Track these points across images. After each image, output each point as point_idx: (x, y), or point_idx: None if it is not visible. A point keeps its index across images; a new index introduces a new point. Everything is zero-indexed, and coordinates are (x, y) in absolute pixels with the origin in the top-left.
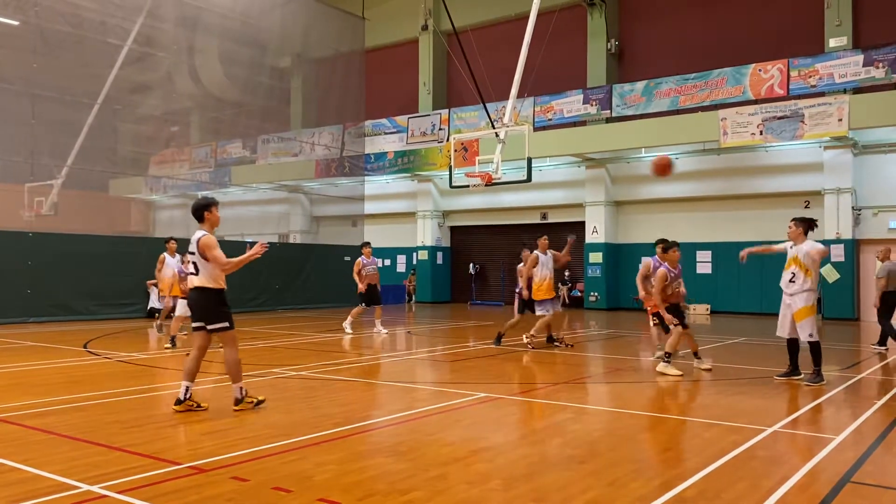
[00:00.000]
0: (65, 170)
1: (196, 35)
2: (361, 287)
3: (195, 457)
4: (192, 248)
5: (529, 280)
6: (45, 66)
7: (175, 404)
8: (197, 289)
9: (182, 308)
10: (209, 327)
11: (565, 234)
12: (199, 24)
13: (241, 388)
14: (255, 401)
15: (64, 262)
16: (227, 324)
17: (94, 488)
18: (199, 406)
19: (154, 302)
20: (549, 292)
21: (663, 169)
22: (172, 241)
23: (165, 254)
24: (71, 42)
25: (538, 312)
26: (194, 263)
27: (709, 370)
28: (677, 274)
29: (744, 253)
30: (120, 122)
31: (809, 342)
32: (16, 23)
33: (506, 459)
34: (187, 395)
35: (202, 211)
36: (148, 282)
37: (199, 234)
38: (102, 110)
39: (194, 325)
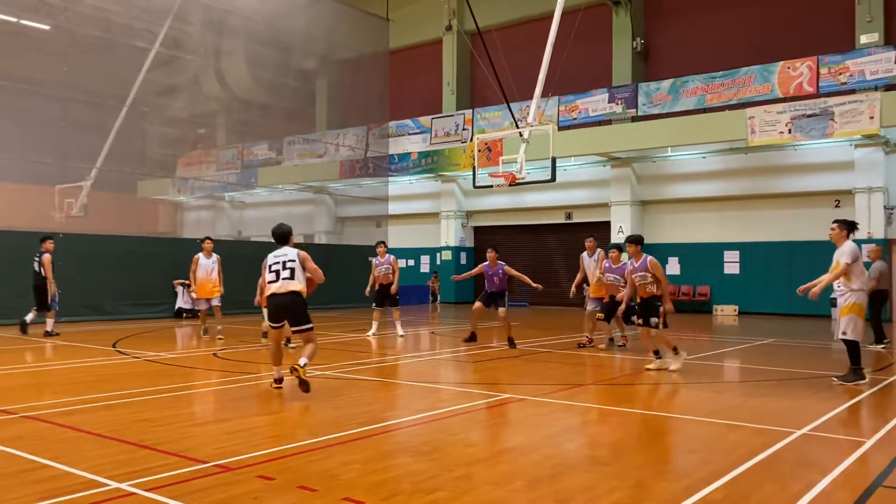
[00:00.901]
0: (94, 171)
1: (222, 38)
2: (370, 288)
3: (221, 455)
4: (290, 257)
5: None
6: (75, 70)
7: (276, 382)
8: (293, 292)
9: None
10: (301, 327)
11: (586, 236)
12: (225, 26)
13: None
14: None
15: (93, 262)
16: (312, 325)
17: (123, 486)
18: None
19: (181, 302)
20: (595, 292)
21: None
22: (209, 241)
23: (200, 254)
24: (100, 46)
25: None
26: (291, 270)
27: (650, 369)
28: (612, 269)
29: (801, 289)
30: (148, 124)
31: (844, 339)
32: (47, 27)
33: (529, 460)
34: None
35: (289, 236)
36: (175, 281)
37: (292, 249)
38: (131, 113)
39: (278, 325)
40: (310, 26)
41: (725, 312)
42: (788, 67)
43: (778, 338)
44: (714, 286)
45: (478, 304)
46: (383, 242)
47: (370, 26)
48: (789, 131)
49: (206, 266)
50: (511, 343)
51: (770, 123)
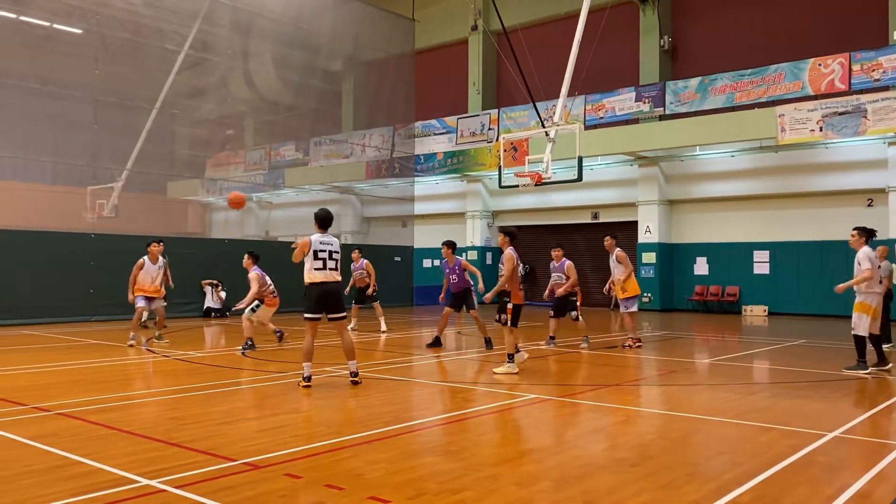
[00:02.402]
0: (125, 173)
1: (250, 40)
2: (348, 288)
3: (249, 453)
4: (335, 248)
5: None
6: (106, 73)
7: (305, 380)
8: (338, 282)
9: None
10: (339, 315)
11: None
12: (253, 28)
13: (356, 363)
14: (360, 381)
15: (124, 262)
16: (346, 313)
17: (153, 483)
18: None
19: (210, 301)
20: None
21: (236, 204)
22: (156, 244)
23: (145, 258)
24: (130, 49)
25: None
26: (336, 261)
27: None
28: (554, 268)
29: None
30: (177, 126)
31: (853, 334)
32: (79, 31)
33: (556, 461)
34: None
35: (332, 220)
36: (203, 281)
37: (335, 239)
38: (160, 115)
39: (318, 314)
40: (336, 27)
41: (755, 313)
42: (819, 64)
43: (809, 339)
44: (743, 286)
45: (447, 308)
46: (358, 248)
47: (396, 27)
48: (820, 129)
49: (151, 272)
50: (488, 344)
51: (800, 121)
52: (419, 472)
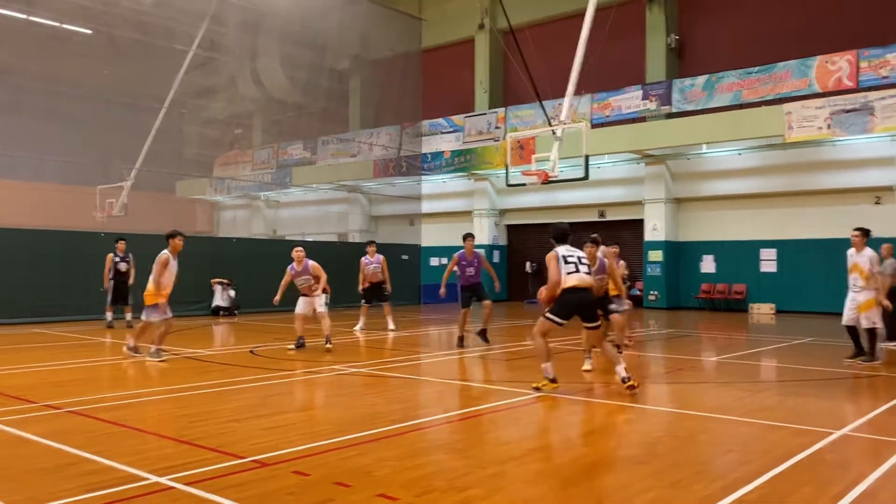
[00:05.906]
0: (134, 172)
1: (258, 39)
2: (362, 286)
3: (258, 451)
4: (580, 254)
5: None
6: (115, 73)
7: (552, 381)
8: (592, 289)
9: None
10: (594, 325)
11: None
12: (261, 28)
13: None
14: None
15: (134, 261)
16: (599, 322)
17: (162, 480)
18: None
19: (218, 300)
20: None
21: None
22: (179, 237)
23: (168, 253)
24: (139, 48)
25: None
26: (588, 266)
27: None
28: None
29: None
30: (186, 125)
31: (870, 329)
32: (88, 31)
33: (563, 459)
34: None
35: (569, 235)
36: (212, 280)
37: (578, 251)
38: (169, 114)
39: (563, 321)
40: (343, 26)
41: (762, 311)
42: (827, 62)
43: (816, 337)
44: (750, 284)
45: (464, 309)
46: (373, 242)
47: (403, 26)
48: (828, 127)
49: (175, 269)
50: (484, 337)
51: (808, 119)
52: (427, 470)
